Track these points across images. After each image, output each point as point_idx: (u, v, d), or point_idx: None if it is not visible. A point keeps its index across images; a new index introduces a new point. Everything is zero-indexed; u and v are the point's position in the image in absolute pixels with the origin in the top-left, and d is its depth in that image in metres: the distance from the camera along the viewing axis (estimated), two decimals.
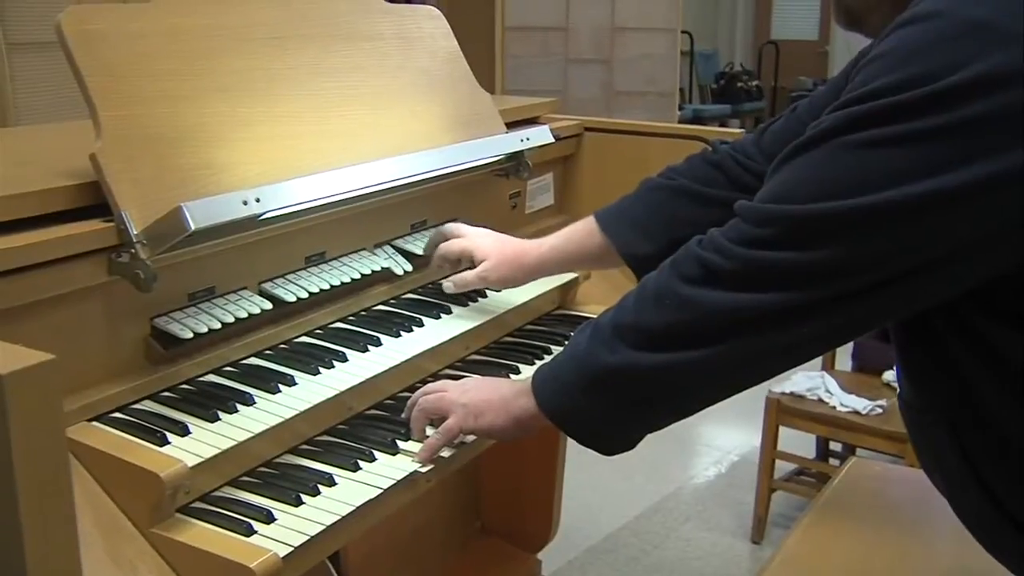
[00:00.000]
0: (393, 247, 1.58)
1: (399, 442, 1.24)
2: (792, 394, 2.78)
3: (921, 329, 1.06)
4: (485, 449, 1.34)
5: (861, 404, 2.67)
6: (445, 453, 1.24)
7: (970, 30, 0.87)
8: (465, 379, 1.32)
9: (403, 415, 1.29)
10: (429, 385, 1.30)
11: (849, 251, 0.93)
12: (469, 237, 1.54)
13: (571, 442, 1.24)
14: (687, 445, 3.53)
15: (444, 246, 1.55)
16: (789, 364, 1.04)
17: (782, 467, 2.97)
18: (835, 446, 3.10)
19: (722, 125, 8.58)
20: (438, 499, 2.16)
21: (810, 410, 2.73)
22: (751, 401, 2.51)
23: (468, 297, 1.58)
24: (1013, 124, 0.86)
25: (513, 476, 2.23)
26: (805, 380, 2.81)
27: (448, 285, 1.55)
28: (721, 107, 8.52)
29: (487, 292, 1.61)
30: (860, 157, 0.91)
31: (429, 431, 1.26)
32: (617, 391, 1.08)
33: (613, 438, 1.13)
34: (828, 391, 2.76)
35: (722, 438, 3.58)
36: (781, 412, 2.78)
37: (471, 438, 1.27)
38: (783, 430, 2.81)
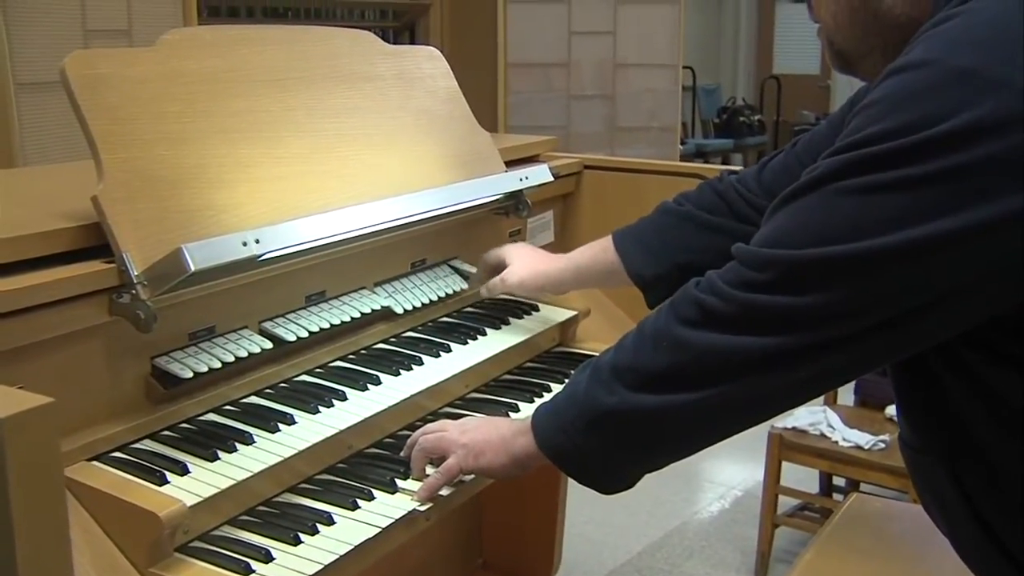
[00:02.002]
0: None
1: (398, 481, 1.25)
2: (794, 429, 2.77)
3: (918, 369, 1.07)
4: (486, 486, 1.34)
5: (864, 439, 2.67)
6: (444, 492, 1.25)
7: (959, 78, 0.89)
8: (465, 419, 1.32)
9: (402, 454, 1.30)
10: (429, 425, 1.31)
11: (846, 295, 0.93)
12: (508, 247, 1.68)
13: None
14: (691, 480, 3.52)
15: (486, 255, 1.70)
16: (787, 405, 1.05)
17: (786, 502, 2.96)
18: (839, 481, 3.09)
19: (725, 159, 8.62)
20: (439, 535, 2.15)
21: (813, 445, 2.73)
22: (755, 437, 2.49)
23: (468, 335, 1.59)
24: (1004, 170, 0.87)
25: (515, 511, 2.23)
26: (807, 415, 2.81)
27: (482, 291, 1.68)
28: (723, 141, 8.57)
29: (486, 330, 1.62)
30: (855, 202, 0.92)
31: (429, 470, 1.27)
32: (615, 432, 1.09)
33: (612, 477, 1.14)
34: (830, 426, 2.76)
35: (726, 473, 3.57)
36: (784, 447, 2.77)
37: (470, 477, 1.27)
38: (788, 465, 2.80)
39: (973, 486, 1.07)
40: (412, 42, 4.18)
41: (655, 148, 4.81)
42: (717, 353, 1.00)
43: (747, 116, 8.68)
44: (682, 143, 7.47)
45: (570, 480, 2.18)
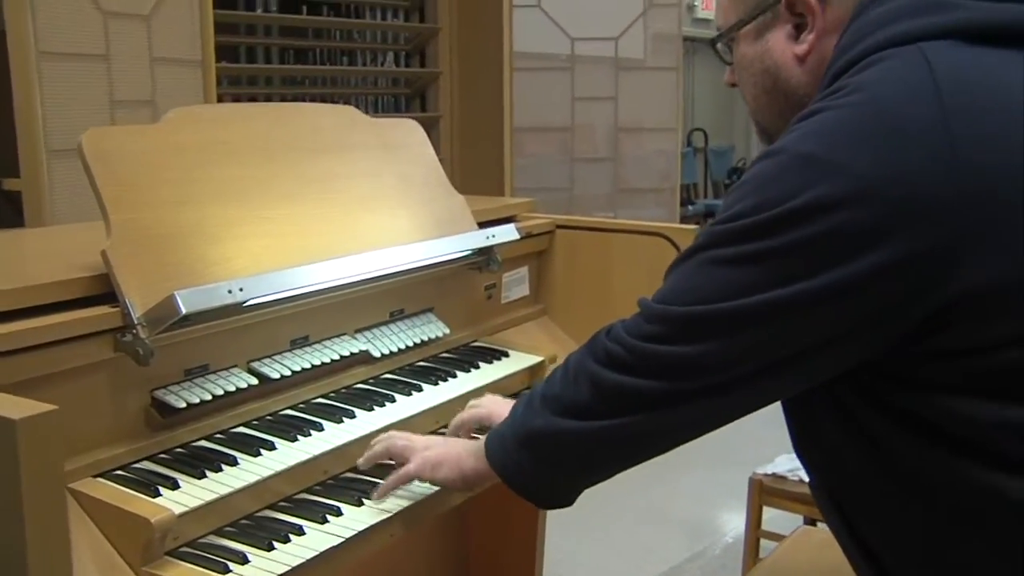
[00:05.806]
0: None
1: (364, 500, 1.42)
2: (774, 475, 2.91)
3: (798, 407, 1.21)
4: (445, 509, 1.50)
5: None
6: (402, 503, 1.42)
7: (801, 163, 1.04)
8: (430, 436, 1.54)
9: (365, 455, 1.49)
10: (399, 432, 1.52)
11: (717, 347, 1.09)
12: (484, 405, 1.61)
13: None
14: (683, 526, 3.64)
15: (460, 416, 1.62)
16: (681, 438, 1.20)
17: (770, 547, 3.08)
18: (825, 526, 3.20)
19: None
20: (427, 568, 2.30)
21: (791, 490, 2.85)
22: (745, 484, 2.65)
23: (439, 378, 1.76)
24: (836, 244, 1.01)
25: (496, 550, 2.38)
26: (787, 461, 2.94)
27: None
28: None
29: (457, 373, 1.80)
30: (723, 270, 1.09)
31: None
32: (542, 450, 1.28)
33: (545, 491, 1.32)
34: None
35: (719, 520, 3.70)
36: (764, 493, 2.91)
37: (423, 486, 1.46)
38: (777, 512, 2.93)
39: (859, 523, 1.20)
40: (423, 108, 4.41)
41: (657, 209, 5.00)
42: (618, 391, 1.18)
43: None
44: (691, 204, 7.67)
45: (549, 522, 2.34)
